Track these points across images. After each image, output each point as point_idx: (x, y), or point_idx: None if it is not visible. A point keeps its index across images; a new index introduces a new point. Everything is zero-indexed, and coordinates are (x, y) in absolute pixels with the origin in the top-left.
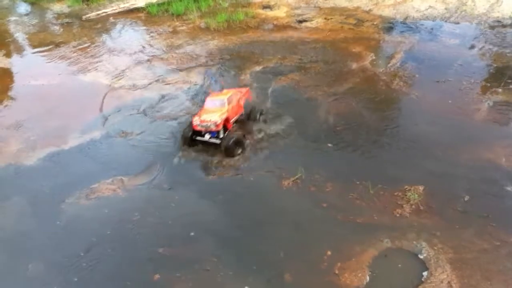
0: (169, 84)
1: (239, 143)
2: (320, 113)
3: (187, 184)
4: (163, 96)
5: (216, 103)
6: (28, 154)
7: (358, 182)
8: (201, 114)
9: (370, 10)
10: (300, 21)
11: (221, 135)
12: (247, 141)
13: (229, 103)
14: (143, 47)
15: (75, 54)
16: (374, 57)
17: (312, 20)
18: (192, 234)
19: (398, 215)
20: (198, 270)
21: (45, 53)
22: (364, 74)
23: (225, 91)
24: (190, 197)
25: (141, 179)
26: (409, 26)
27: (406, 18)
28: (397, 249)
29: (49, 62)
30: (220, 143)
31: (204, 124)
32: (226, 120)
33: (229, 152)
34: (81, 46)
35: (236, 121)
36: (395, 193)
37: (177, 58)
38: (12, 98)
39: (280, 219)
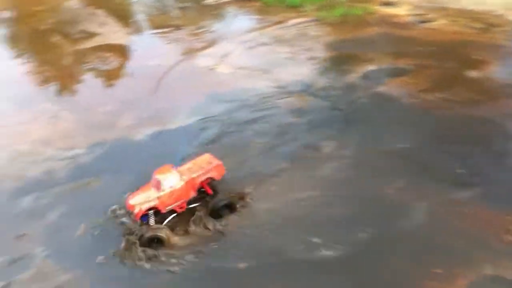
0: (276, 75)
1: (160, 241)
2: (431, 124)
3: None
4: (268, 87)
5: (154, 184)
6: (138, 130)
7: (465, 201)
8: (135, 194)
9: (501, 15)
10: (421, 21)
11: (152, 223)
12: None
13: (167, 187)
14: (255, 36)
15: (191, 37)
16: (499, 67)
17: (434, 21)
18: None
19: (506, 241)
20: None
21: (163, 34)
22: (485, 85)
23: (190, 163)
24: None
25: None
26: None
27: None
28: (499, 277)
29: (166, 43)
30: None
31: (129, 210)
32: (157, 208)
33: (145, 245)
34: (197, 31)
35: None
36: (507, 217)
37: (287, 50)
38: (129, 76)
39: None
